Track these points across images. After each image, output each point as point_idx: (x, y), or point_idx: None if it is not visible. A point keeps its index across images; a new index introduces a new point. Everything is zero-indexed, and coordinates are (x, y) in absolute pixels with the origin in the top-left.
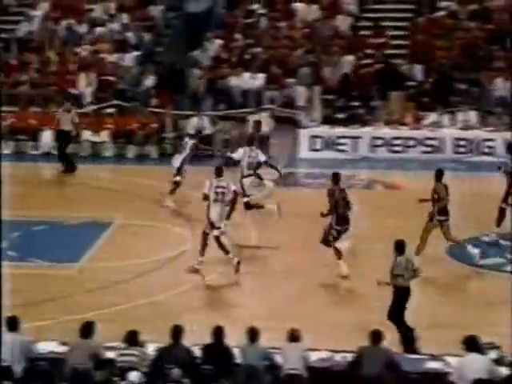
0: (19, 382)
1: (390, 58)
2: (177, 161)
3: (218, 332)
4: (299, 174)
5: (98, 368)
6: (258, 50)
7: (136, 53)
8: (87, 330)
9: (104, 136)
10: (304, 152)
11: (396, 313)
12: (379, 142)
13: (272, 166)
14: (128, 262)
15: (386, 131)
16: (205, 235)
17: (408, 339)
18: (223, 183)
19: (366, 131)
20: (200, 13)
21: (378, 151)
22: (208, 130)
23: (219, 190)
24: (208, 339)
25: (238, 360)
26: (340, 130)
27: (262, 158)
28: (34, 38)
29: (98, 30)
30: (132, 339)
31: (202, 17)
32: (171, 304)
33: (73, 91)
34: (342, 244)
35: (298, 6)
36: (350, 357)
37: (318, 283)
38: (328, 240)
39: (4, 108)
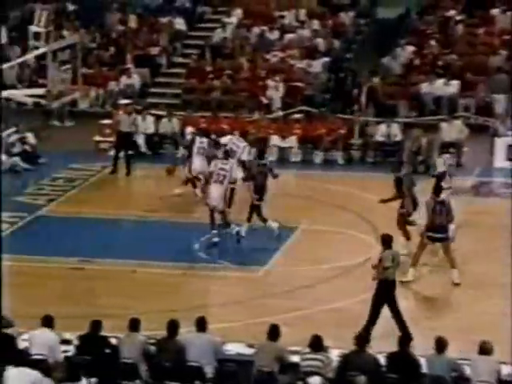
0: (210, 383)
1: None
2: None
3: (403, 341)
4: (495, 183)
5: (283, 372)
6: (453, 56)
7: (325, 59)
8: (274, 332)
9: (291, 141)
10: (500, 161)
11: (378, 305)
12: None
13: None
14: (312, 267)
15: None
16: None
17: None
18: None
19: None
20: (392, 19)
21: None
22: (397, 137)
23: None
24: (394, 348)
25: (424, 370)
26: None
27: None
28: (227, 44)
29: (288, 36)
30: (316, 344)
31: (393, 23)
32: (354, 311)
33: (262, 97)
34: None
35: (496, 12)
36: None
37: None
38: None
39: (197, 113)
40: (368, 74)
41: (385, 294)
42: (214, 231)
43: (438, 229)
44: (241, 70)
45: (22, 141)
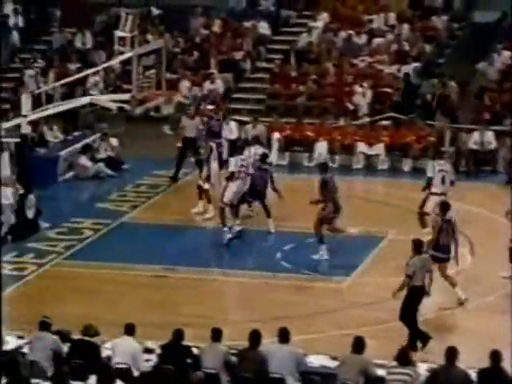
0: None
1: None
2: None
3: (496, 356)
4: None
5: None
6: None
7: (416, 64)
8: (359, 345)
9: (379, 149)
10: None
11: (407, 313)
12: None
13: None
14: (400, 278)
15: None
16: None
17: (414, 342)
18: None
19: None
20: (488, 23)
21: None
22: (492, 145)
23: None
24: (480, 365)
25: None
26: None
27: None
28: (312, 49)
29: (377, 40)
30: (404, 358)
31: (489, 27)
32: (444, 323)
33: (348, 104)
34: None
35: None
36: None
37: None
38: None
39: (281, 119)
40: (443, 79)
41: (414, 300)
42: (225, 229)
43: (441, 249)
44: (327, 76)
45: (107, 146)
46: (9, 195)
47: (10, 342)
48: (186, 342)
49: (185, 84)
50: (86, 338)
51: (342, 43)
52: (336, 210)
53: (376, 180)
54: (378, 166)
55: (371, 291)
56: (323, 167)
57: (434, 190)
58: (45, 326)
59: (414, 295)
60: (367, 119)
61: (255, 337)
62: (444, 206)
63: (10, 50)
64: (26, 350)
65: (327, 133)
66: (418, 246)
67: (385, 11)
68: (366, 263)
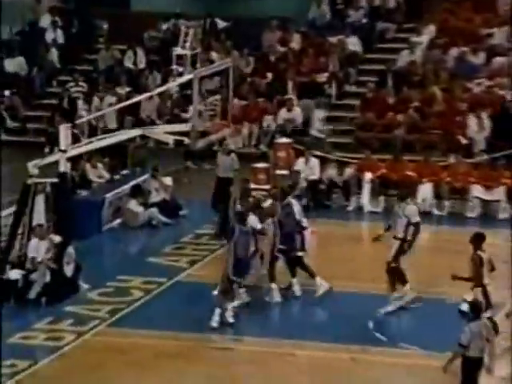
0: None
1: None
2: None
3: None
4: None
5: None
6: None
7: None
8: None
9: (499, 193)
10: None
11: None
12: None
13: None
14: None
15: None
16: None
17: None
18: None
19: None
20: None
21: None
22: None
23: None
24: None
25: None
26: None
27: None
28: (415, 69)
29: (498, 60)
30: None
31: None
32: None
33: (461, 137)
34: None
35: None
36: None
37: None
38: None
39: (375, 156)
40: None
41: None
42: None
43: None
44: (433, 102)
45: (160, 188)
46: (42, 249)
47: None
48: None
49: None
50: None
51: (453, 63)
52: None
53: (495, 231)
54: (499, 214)
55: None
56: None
57: None
58: None
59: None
60: (485, 156)
61: None
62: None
63: (48, 71)
64: None
65: (433, 173)
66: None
67: (508, 24)
68: None
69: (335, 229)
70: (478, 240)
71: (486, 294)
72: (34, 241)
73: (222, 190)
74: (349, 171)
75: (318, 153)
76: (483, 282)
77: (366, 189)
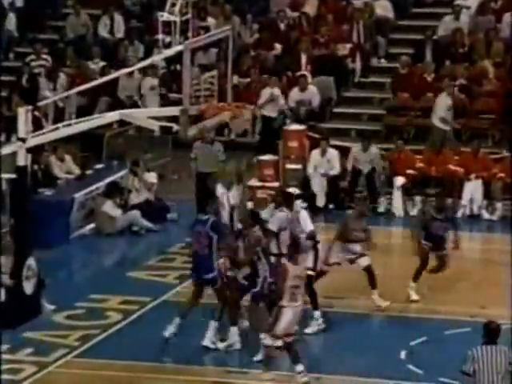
0: None
1: None
2: None
3: None
4: None
5: None
6: None
7: None
8: None
9: None
10: None
11: None
12: None
13: None
14: None
15: None
16: None
17: None
18: None
19: None
20: None
21: None
22: None
23: None
24: None
25: None
26: None
27: None
28: (461, 39)
29: None
30: None
31: None
32: None
33: None
34: None
35: None
36: None
37: None
38: None
39: (410, 146)
40: None
41: None
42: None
43: None
44: (483, 80)
45: (143, 187)
46: None
47: None
48: None
49: (265, 92)
50: None
51: (509, 31)
52: None
53: None
54: None
55: None
56: None
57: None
58: None
59: None
60: None
61: None
62: None
63: (4, 40)
64: None
65: (483, 167)
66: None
67: None
68: None
69: None
70: None
71: None
72: None
73: (205, 189)
74: (374, 154)
75: (338, 142)
76: None
77: (398, 191)
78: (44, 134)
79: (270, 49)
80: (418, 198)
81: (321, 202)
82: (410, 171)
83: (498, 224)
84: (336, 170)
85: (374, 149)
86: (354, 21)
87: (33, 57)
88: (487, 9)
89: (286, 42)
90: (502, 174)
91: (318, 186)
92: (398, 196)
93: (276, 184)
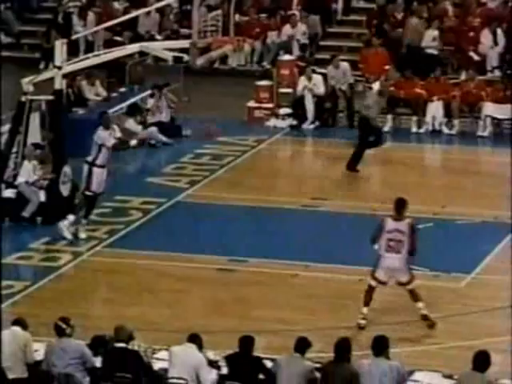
0: None
1: None
2: None
3: None
4: None
5: None
6: None
7: None
8: (483, 361)
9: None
10: None
11: None
12: None
13: None
14: None
15: None
16: None
17: None
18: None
19: None
20: None
21: None
22: None
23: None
24: None
25: None
26: None
27: None
28: None
29: None
30: None
31: None
32: None
33: (473, 53)
34: None
35: None
36: None
37: None
38: None
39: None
40: None
41: None
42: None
43: None
44: (444, 17)
45: (160, 106)
46: (27, 171)
47: (41, 351)
48: (257, 353)
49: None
50: (121, 345)
51: None
52: None
53: (508, 151)
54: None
55: (495, 293)
56: None
57: None
58: (61, 331)
59: None
60: (497, 73)
61: (343, 348)
62: None
63: None
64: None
65: (443, 90)
66: None
67: None
68: (492, 257)
69: (341, 151)
70: None
71: None
72: (25, 163)
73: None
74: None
75: (322, 70)
76: None
77: None
78: (76, 62)
79: None
80: (389, 116)
81: (310, 115)
82: None
83: (456, 138)
84: (321, 90)
85: (345, 64)
86: None
87: None
88: None
89: None
90: (460, 96)
91: (309, 104)
92: None
93: (271, 105)
